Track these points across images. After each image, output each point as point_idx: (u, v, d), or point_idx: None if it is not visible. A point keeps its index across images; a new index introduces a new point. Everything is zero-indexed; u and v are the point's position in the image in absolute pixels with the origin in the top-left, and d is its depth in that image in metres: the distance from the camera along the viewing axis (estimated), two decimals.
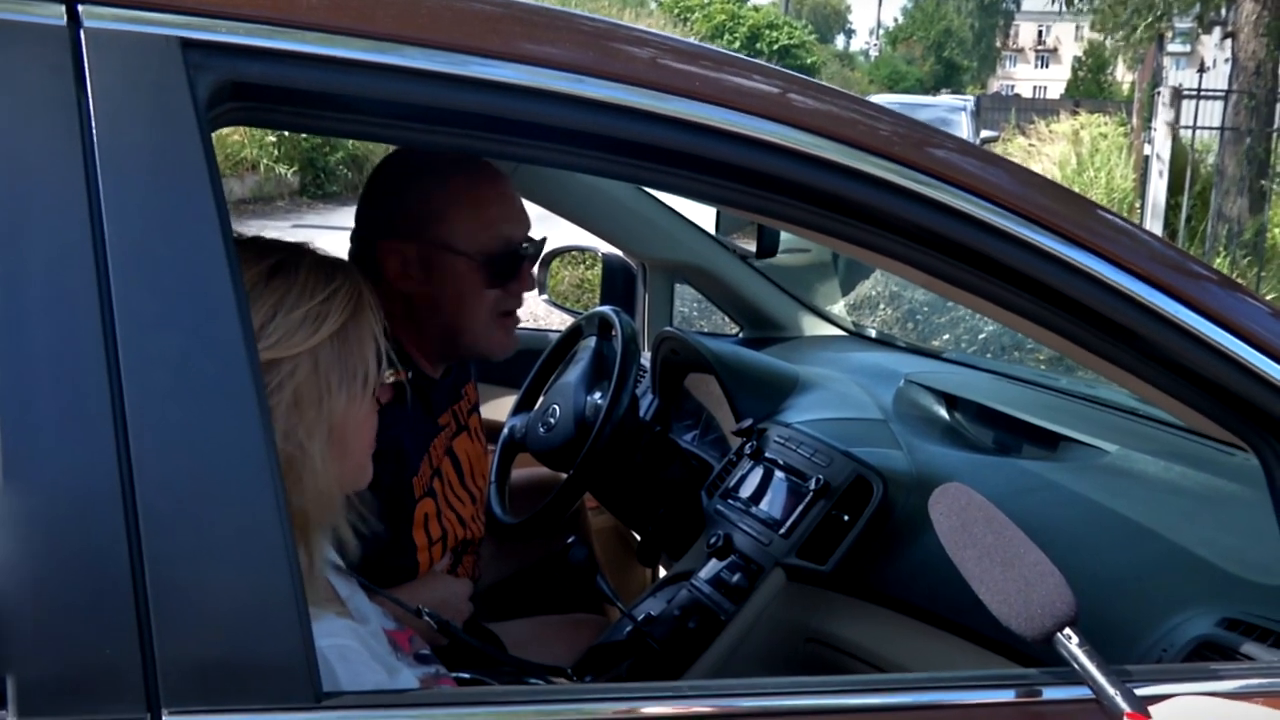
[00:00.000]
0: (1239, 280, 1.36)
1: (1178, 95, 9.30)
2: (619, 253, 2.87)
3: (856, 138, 1.08)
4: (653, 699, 1.01)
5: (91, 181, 0.86)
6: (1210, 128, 9.81)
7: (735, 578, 1.89)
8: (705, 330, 3.26)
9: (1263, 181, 9.47)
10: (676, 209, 2.73)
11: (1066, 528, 1.65)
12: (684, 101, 1.03)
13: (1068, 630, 1.00)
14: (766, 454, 2.03)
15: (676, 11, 34.35)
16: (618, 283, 2.90)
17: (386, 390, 1.21)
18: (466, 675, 1.50)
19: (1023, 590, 1.01)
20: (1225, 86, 9.82)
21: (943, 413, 2.16)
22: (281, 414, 1.10)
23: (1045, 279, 1.12)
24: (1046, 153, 12.84)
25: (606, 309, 2.30)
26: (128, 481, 0.85)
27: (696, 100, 1.03)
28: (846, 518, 1.82)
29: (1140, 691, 0.99)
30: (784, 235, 2.71)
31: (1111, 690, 0.98)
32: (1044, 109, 23.44)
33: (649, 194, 2.69)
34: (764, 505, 1.96)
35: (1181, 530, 1.59)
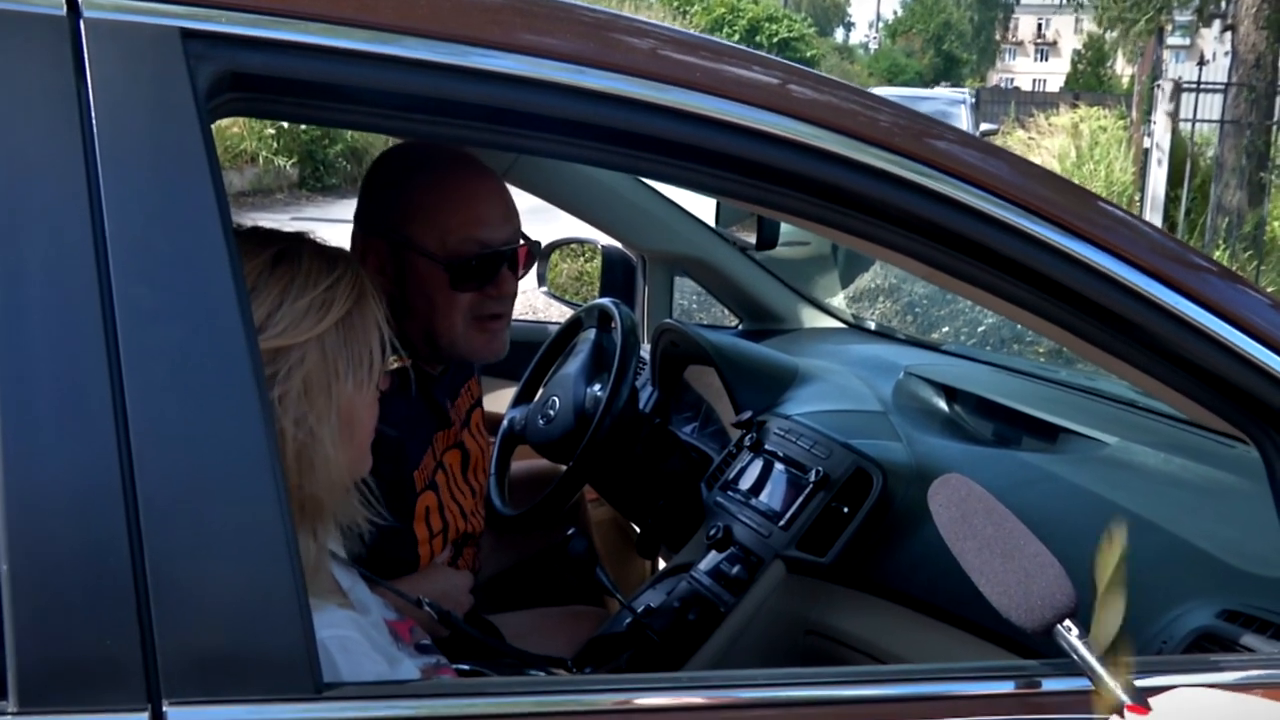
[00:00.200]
0: (1238, 273, 1.35)
1: (1178, 88, 9.30)
2: (618, 245, 2.86)
3: (856, 129, 1.08)
4: (652, 690, 1.01)
5: (91, 172, 0.86)
6: (1210, 121, 9.81)
7: (735, 569, 1.89)
8: (705, 322, 3.26)
9: (1262, 174, 9.47)
10: (676, 201, 2.73)
11: (1066, 520, 1.64)
12: (684, 92, 1.03)
13: (1068, 622, 1.00)
14: (766, 446, 2.03)
15: (676, 4, 34.28)
16: (617, 275, 2.89)
17: (386, 378, 1.22)
18: (466, 667, 1.50)
19: (1023, 582, 1.01)
20: (1225, 80, 9.82)
21: (942, 405, 2.16)
22: (292, 402, 1.10)
23: (1045, 270, 1.12)
24: (1046, 146, 12.85)
25: (606, 301, 2.30)
26: (128, 474, 0.85)
27: (696, 91, 1.03)
28: (846, 510, 1.82)
29: (1140, 683, 0.99)
30: (784, 228, 2.71)
31: (1112, 682, 0.98)
32: (1043, 102, 23.43)
33: (648, 186, 2.69)
34: (764, 497, 1.96)
35: (1181, 522, 1.59)
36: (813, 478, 1.86)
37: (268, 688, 0.88)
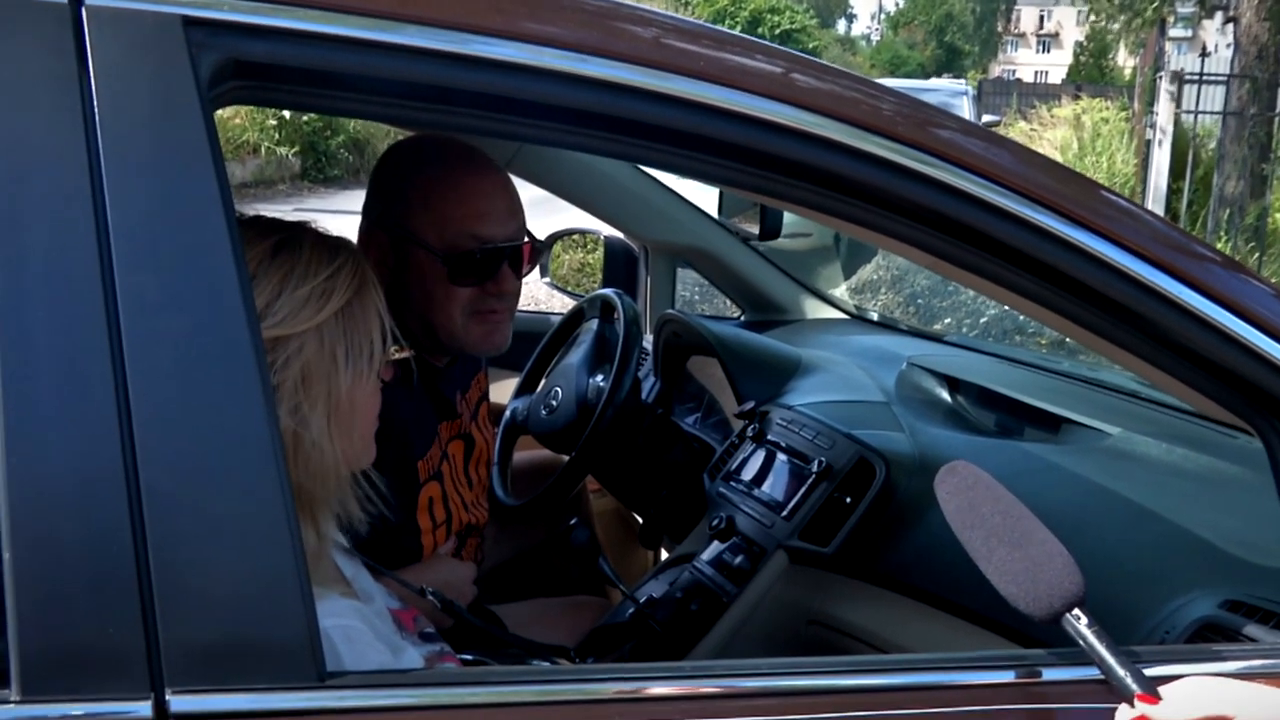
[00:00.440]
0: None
1: (1180, 79, 9.28)
2: (621, 235, 2.86)
3: (860, 117, 1.08)
4: (655, 680, 1.01)
5: (93, 160, 0.86)
6: (1212, 112, 9.79)
7: (737, 560, 1.89)
8: (707, 313, 3.26)
9: (1264, 165, 9.46)
10: (679, 191, 2.72)
11: (1068, 510, 1.64)
12: (687, 81, 1.03)
13: (1077, 610, 1.00)
14: (769, 436, 2.03)
15: None
16: (620, 265, 2.89)
17: (389, 369, 1.21)
18: (469, 657, 1.50)
19: (1031, 571, 1.01)
20: (1227, 71, 9.80)
21: (945, 395, 2.16)
22: (288, 391, 1.10)
23: (1048, 259, 1.12)
24: (1048, 137, 12.83)
25: (608, 291, 2.30)
26: (131, 462, 0.85)
27: (700, 80, 1.03)
28: (849, 500, 1.82)
29: (1146, 673, 0.99)
30: (786, 219, 2.70)
31: (1122, 671, 0.98)
32: (1045, 94, 23.41)
33: (651, 176, 2.68)
34: (766, 487, 1.96)
35: (1184, 512, 1.59)
36: (815, 468, 1.86)
37: (271, 676, 0.88)
